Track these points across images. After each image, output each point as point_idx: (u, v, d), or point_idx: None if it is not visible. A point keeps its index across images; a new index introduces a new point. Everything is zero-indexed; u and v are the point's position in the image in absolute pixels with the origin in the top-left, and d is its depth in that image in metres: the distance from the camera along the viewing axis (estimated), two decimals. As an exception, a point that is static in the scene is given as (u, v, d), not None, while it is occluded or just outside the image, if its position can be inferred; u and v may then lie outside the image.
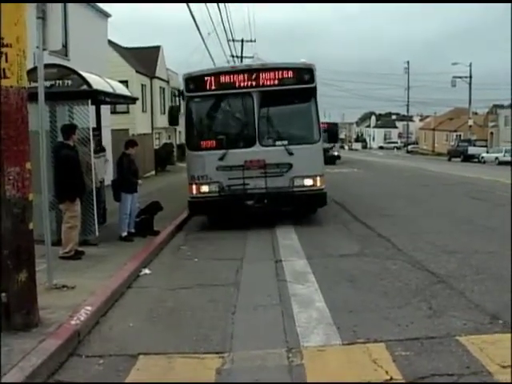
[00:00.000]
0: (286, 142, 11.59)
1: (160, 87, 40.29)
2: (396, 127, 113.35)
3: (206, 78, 11.70)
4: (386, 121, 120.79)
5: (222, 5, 34.67)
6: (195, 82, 11.82)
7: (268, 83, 11.64)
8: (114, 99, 12.32)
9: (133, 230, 10.88)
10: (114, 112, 25.36)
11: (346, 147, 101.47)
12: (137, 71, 35.17)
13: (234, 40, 40.56)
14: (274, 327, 5.69)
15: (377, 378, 4.36)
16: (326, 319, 5.85)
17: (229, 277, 7.89)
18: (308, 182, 11.63)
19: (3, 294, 5.19)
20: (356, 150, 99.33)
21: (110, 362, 4.93)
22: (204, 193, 11.72)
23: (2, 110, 5.11)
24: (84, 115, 9.95)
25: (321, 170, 11.89)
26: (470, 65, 60.10)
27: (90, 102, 10.00)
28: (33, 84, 7.07)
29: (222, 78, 11.70)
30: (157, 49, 41.05)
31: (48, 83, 8.71)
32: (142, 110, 35.60)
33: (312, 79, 11.72)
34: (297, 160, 11.45)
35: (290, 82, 11.65)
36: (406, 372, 4.41)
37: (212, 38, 69.55)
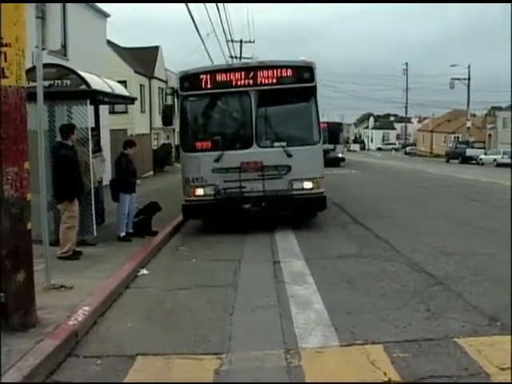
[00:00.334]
0: (284, 143, 11.23)
1: (159, 87, 40.28)
2: (394, 129, 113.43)
3: (201, 77, 11.30)
4: (384, 122, 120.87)
5: (220, 5, 34.65)
6: (190, 80, 11.41)
7: (266, 82, 11.26)
8: (113, 99, 12.29)
9: (131, 231, 10.87)
10: (112, 112, 25.33)
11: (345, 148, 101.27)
12: (135, 71, 35.15)
13: (232, 41, 40.58)
14: (272, 328, 5.69)
15: (375, 380, 4.36)
16: (324, 320, 5.84)
17: (227, 278, 7.89)
18: (307, 184, 11.26)
19: (1, 294, 5.18)
20: (354, 151, 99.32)
21: (107, 363, 4.92)
22: (199, 196, 11.32)
23: (0, 110, 5.10)
24: (83, 115, 9.94)
25: (321, 172, 11.52)
26: (469, 67, 60.24)
27: (88, 101, 9.98)
28: (31, 83, 7.06)
29: (219, 77, 11.30)
30: (156, 49, 41.04)
31: (47, 83, 8.70)
32: (141, 111, 35.57)
33: (312, 78, 11.35)
34: (296, 162, 11.08)
35: (288, 81, 11.29)
36: (404, 374, 4.41)
37: (211, 39, 69.63)
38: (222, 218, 11.96)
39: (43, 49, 6.92)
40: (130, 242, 10.40)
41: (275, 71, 11.25)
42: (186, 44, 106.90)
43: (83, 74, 10.16)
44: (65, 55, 17.94)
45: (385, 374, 4.43)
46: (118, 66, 31.70)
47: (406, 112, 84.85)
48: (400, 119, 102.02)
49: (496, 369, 4.41)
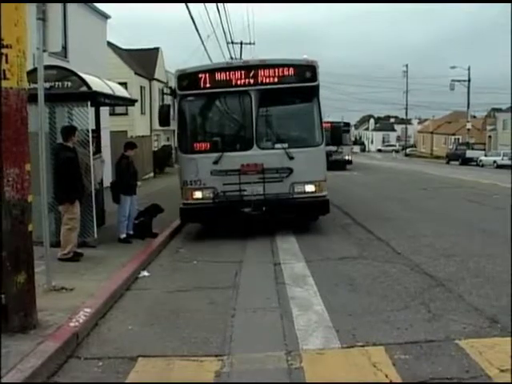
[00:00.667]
0: (285, 145, 10.83)
1: (159, 89, 40.28)
2: (394, 130, 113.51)
3: (200, 75, 10.88)
4: (384, 124, 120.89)
5: (221, 7, 34.68)
6: (189, 79, 10.98)
7: (267, 81, 10.85)
8: (114, 101, 12.27)
9: (131, 232, 10.86)
10: (112, 114, 25.36)
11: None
12: (136, 73, 35.19)
13: (233, 42, 40.59)
14: (273, 330, 5.68)
15: (376, 382, 4.36)
16: (325, 322, 5.84)
17: (228, 279, 7.88)
18: (309, 188, 10.88)
19: (2, 296, 5.18)
20: (355, 152, 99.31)
21: (108, 365, 4.92)
22: (197, 199, 10.91)
23: (1, 112, 5.10)
24: (83, 117, 9.96)
25: (323, 175, 11.11)
26: (469, 68, 60.26)
27: (89, 103, 9.99)
28: (32, 85, 7.07)
29: (218, 75, 10.89)
30: (156, 51, 41.10)
31: (47, 84, 8.71)
32: (141, 112, 35.61)
33: (314, 77, 10.95)
34: (297, 164, 10.70)
35: (290, 80, 10.88)
36: (405, 375, 4.41)
37: (212, 41, 69.69)
38: (220, 221, 11.65)
39: (44, 50, 6.93)
40: (130, 243, 10.40)
41: (276, 70, 10.88)
42: (186, 46, 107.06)
43: (84, 76, 10.17)
44: (65, 57, 17.93)
45: (386, 375, 4.42)
46: (119, 67, 31.74)
47: (407, 114, 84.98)
48: (400, 121, 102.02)
49: (497, 371, 4.41)
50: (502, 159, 44.80)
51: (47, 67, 8.03)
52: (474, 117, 70.90)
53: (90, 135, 9.92)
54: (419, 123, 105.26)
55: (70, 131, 9.07)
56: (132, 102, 14.09)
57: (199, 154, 10.99)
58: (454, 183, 24.38)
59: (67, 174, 8.66)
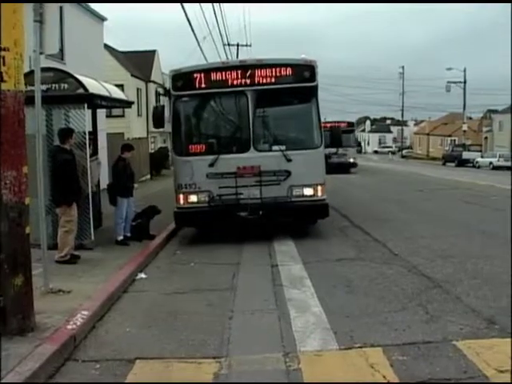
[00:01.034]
0: (283, 147, 10.53)
1: (155, 91, 40.26)
2: (391, 132, 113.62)
3: (195, 75, 10.61)
4: (380, 125, 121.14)
5: (217, 8, 34.70)
6: (183, 79, 10.69)
7: (264, 81, 10.56)
8: (110, 103, 12.28)
9: (129, 234, 10.86)
10: (109, 116, 25.33)
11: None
12: (132, 75, 35.18)
13: (229, 44, 40.66)
14: (270, 332, 5.69)
15: (374, 382, 4.37)
16: (323, 324, 5.85)
17: (225, 281, 7.88)
18: (308, 191, 10.63)
19: (0, 299, 5.16)
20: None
21: (106, 367, 4.91)
22: (192, 203, 10.64)
23: (0, 114, 5.09)
24: (80, 119, 9.94)
25: (322, 178, 10.82)
26: (465, 70, 60.48)
27: (86, 105, 9.99)
28: (29, 87, 7.06)
29: (213, 75, 10.62)
30: (152, 53, 41.15)
31: (44, 87, 8.73)
32: (138, 114, 35.59)
33: (313, 77, 10.67)
34: (295, 167, 10.43)
35: (288, 80, 10.59)
36: (403, 376, 4.42)
37: (208, 43, 69.77)
38: (216, 226, 11.43)
39: (41, 53, 6.93)
40: (127, 245, 10.40)
41: (274, 70, 10.59)
42: (182, 48, 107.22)
43: (80, 78, 10.17)
44: (62, 59, 17.93)
45: (384, 376, 4.43)
46: (115, 69, 31.73)
47: (403, 115, 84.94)
48: (396, 122, 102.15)
49: (494, 371, 4.42)
50: (498, 160, 44.96)
51: (44, 69, 8.03)
52: (470, 118, 71.14)
53: (87, 137, 9.91)
54: (415, 125, 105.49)
55: (67, 133, 9.06)
56: (129, 104, 14.09)
57: (194, 157, 10.72)
58: (451, 185, 24.43)
59: (64, 176, 8.66)
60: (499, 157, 45.84)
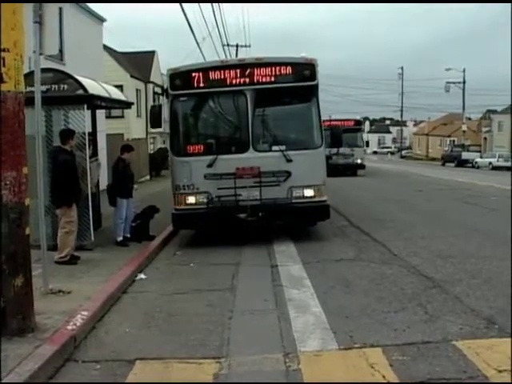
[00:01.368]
0: (283, 147, 10.33)
1: (155, 92, 40.24)
2: (390, 132, 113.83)
3: (193, 74, 10.40)
4: (380, 126, 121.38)
5: (216, 8, 34.72)
6: (181, 78, 10.48)
7: (264, 80, 10.36)
8: (110, 104, 12.29)
9: (128, 235, 10.86)
10: (108, 116, 25.30)
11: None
12: (131, 76, 35.17)
13: (228, 45, 40.65)
14: (270, 332, 5.69)
15: (374, 382, 4.37)
16: (323, 324, 5.85)
17: (225, 282, 7.88)
18: (308, 192, 10.41)
19: (0, 299, 5.17)
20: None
21: (106, 368, 4.91)
22: (190, 204, 10.42)
23: (0, 115, 5.10)
24: (80, 120, 9.96)
25: (323, 178, 10.62)
26: (464, 70, 60.55)
27: (85, 106, 9.99)
28: (29, 88, 7.06)
29: (212, 74, 10.41)
30: (152, 54, 41.14)
31: (44, 87, 8.72)
32: (137, 115, 35.57)
33: (313, 76, 10.45)
34: (296, 167, 10.23)
35: (288, 79, 10.40)
36: (402, 376, 4.42)
37: (207, 43, 69.72)
38: (215, 228, 11.27)
39: (40, 53, 6.94)
40: (127, 246, 10.40)
41: (273, 69, 10.39)
42: (182, 48, 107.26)
43: (80, 79, 10.18)
44: (61, 60, 17.93)
45: (384, 376, 4.44)
46: (115, 70, 31.71)
47: (402, 116, 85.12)
48: (396, 123, 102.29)
49: (494, 371, 4.42)
50: (498, 161, 45.05)
51: (43, 70, 8.02)
52: (470, 119, 71.24)
53: (87, 138, 9.92)
54: (415, 125, 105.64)
55: (68, 134, 9.07)
56: (128, 104, 14.08)
57: (193, 157, 10.55)
58: (450, 185, 24.46)
59: (65, 177, 8.66)
60: (498, 157, 45.97)
